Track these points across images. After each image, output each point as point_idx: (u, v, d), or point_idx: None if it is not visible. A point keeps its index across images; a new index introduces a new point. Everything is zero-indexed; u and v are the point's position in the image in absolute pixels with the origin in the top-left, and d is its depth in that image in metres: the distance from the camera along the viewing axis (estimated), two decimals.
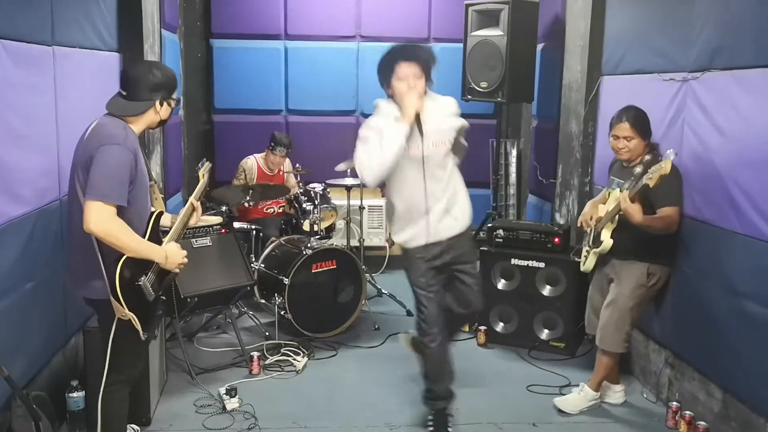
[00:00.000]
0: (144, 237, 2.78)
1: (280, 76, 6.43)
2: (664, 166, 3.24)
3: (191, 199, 3.10)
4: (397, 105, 3.19)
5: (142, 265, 2.73)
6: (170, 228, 2.99)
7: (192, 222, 3.09)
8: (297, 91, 6.48)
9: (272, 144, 5.51)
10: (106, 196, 2.60)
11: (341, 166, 5.29)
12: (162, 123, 2.92)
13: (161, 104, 2.83)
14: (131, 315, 2.66)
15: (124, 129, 2.75)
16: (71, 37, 3.54)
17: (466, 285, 3.41)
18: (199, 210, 3.10)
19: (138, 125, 2.82)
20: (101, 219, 2.58)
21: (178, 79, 2.94)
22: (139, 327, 2.70)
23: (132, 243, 2.66)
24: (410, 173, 3.24)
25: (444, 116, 3.29)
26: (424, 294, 3.33)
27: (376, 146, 3.10)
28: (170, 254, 2.81)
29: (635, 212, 3.41)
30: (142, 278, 2.73)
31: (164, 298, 3.30)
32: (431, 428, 3.49)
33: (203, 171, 3.21)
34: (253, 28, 6.37)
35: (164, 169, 5.09)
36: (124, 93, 2.81)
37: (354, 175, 5.39)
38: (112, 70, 4.23)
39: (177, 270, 2.89)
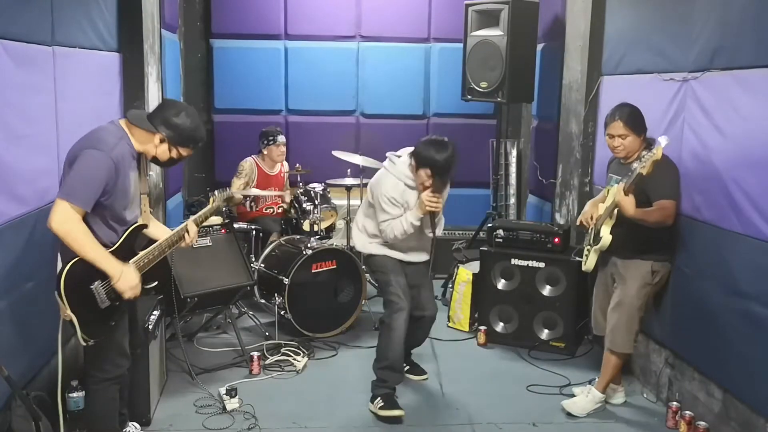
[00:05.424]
0: (114, 246, 2.79)
1: (280, 76, 6.42)
2: (656, 153, 3.23)
3: (190, 219, 3.10)
4: (412, 176, 3.65)
5: (101, 270, 2.72)
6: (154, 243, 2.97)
7: (183, 244, 3.06)
8: (297, 91, 6.46)
9: (270, 139, 5.45)
10: (75, 198, 2.62)
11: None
12: (156, 161, 2.90)
13: (161, 141, 2.83)
14: (71, 315, 2.66)
15: (119, 138, 2.76)
16: (71, 37, 3.54)
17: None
18: (193, 233, 3.07)
19: (139, 143, 2.84)
20: (64, 219, 2.61)
21: (198, 137, 2.91)
22: (78, 329, 2.69)
23: (89, 250, 2.66)
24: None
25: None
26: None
27: (397, 224, 3.65)
28: (125, 275, 2.75)
29: (629, 205, 3.38)
30: (96, 283, 2.72)
31: (124, 309, 3.00)
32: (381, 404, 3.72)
33: (219, 199, 3.22)
34: (253, 28, 6.36)
35: (164, 170, 5.09)
36: (151, 110, 2.88)
37: (354, 174, 5.41)
38: (112, 70, 4.23)
39: (130, 296, 2.79)
